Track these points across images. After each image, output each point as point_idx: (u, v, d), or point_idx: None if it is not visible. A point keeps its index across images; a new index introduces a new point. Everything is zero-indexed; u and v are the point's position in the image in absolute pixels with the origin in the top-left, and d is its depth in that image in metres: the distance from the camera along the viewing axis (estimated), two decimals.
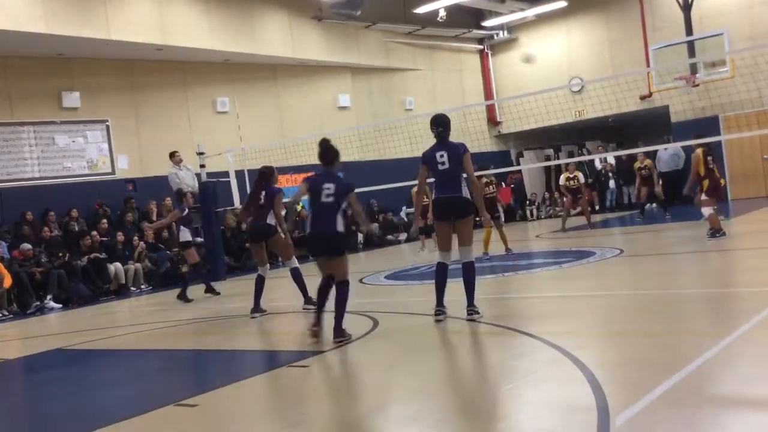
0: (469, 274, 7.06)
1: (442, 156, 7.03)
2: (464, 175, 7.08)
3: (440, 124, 7.19)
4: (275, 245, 9.37)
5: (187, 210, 11.80)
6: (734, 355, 4.86)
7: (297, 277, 9.17)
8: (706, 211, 11.71)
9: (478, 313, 6.98)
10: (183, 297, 11.58)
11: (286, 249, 9.44)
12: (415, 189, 16.00)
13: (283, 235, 9.22)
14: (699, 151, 12.05)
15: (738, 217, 15.39)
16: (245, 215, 9.67)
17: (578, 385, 4.45)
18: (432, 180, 7.27)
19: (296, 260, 9.31)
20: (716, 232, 11.55)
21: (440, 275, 7.17)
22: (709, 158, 11.94)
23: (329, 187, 6.76)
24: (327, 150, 6.96)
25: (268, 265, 9.38)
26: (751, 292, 7.03)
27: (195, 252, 12.00)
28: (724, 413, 3.88)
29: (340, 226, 6.78)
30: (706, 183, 11.78)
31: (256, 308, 9.07)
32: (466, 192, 7.03)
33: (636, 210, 19.78)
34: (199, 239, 14.13)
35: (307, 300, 8.95)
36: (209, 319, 9.59)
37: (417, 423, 4.17)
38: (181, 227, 11.71)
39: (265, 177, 9.16)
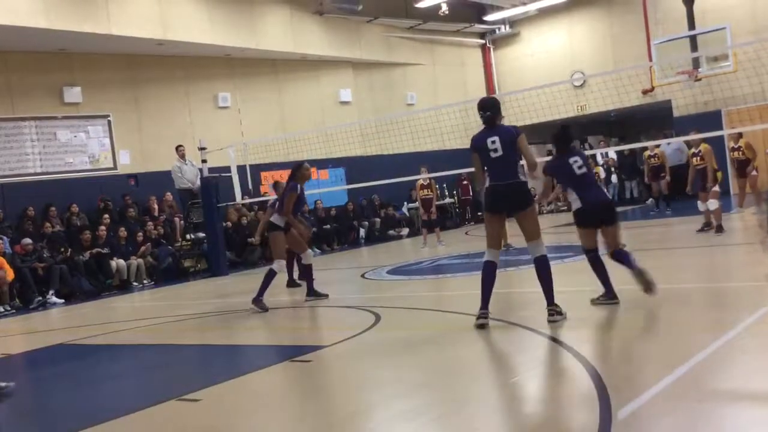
0: (543, 269, 6.28)
1: (494, 142, 6.22)
2: (521, 162, 6.34)
3: (486, 107, 6.35)
4: (272, 242, 9.42)
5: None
6: (736, 349, 4.85)
7: (306, 271, 9.29)
8: (716, 203, 11.63)
9: (561, 314, 6.18)
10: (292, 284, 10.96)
11: (276, 248, 9.31)
12: (420, 182, 15.96)
13: (283, 233, 9.19)
14: (706, 146, 12.10)
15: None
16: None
17: (580, 379, 4.45)
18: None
19: (311, 257, 9.49)
20: (719, 227, 11.56)
21: (487, 274, 6.32)
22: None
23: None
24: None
25: (282, 260, 9.38)
26: (753, 287, 7.02)
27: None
28: (726, 407, 3.88)
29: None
30: (720, 175, 12.01)
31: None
32: (524, 177, 6.33)
33: (641, 204, 19.79)
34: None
35: (310, 292, 9.25)
36: (212, 314, 9.59)
37: (419, 417, 4.18)
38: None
39: (290, 176, 9.32)
